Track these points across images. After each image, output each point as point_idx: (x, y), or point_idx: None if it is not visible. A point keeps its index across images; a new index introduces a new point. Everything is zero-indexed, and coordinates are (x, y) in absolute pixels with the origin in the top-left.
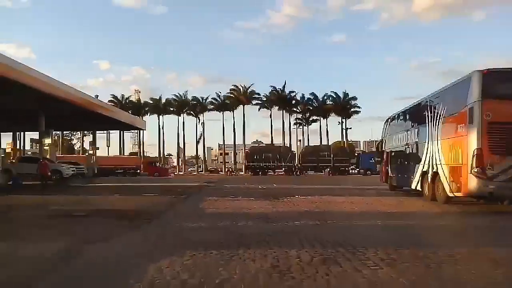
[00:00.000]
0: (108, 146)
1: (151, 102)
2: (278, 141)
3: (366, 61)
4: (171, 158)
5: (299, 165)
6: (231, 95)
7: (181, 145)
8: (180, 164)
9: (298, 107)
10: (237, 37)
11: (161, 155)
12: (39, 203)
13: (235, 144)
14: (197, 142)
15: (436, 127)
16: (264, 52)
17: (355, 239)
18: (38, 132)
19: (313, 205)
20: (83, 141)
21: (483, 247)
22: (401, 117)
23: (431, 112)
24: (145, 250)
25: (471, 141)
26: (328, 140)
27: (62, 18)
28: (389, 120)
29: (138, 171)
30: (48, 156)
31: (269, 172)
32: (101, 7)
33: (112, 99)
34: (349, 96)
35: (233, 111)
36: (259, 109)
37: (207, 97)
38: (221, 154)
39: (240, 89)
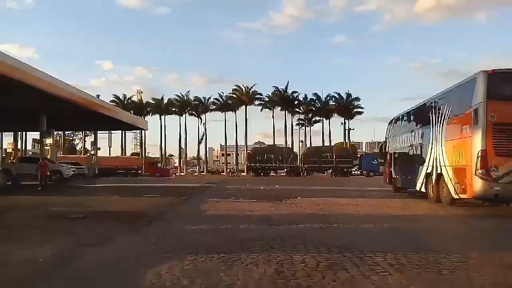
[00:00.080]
0: (110, 147)
1: (153, 102)
2: (280, 142)
3: (368, 61)
4: (172, 158)
5: (305, 166)
6: (234, 95)
7: (183, 146)
8: (181, 165)
9: (301, 108)
10: (239, 38)
11: (163, 156)
12: (38, 203)
13: (237, 145)
14: (199, 143)
15: (441, 128)
16: (267, 52)
17: (361, 242)
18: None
19: (316, 207)
20: (84, 141)
21: (495, 252)
22: (405, 118)
23: (435, 113)
24: (144, 254)
25: (476, 143)
26: (330, 141)
27: (64, 18)
28: (393, 121)
29: (139, 171)
30: (49, 156)
31: (271, 173)
32: (104, 8)
33: (114, 99)
34: (352, 97)
35: (235, 112)
36: (261, 110)
37: (209, 97)
38: (222, 154)
39: (242, 89)
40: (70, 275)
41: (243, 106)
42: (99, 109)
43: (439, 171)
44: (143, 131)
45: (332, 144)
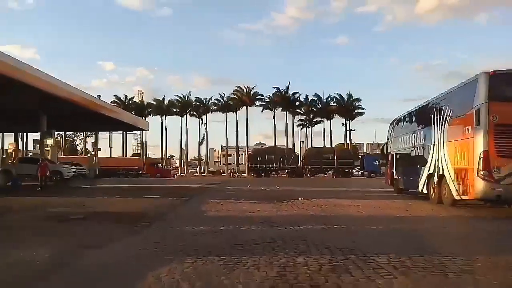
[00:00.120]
0: (111, 147)
1: (154, 103)
2: (281, 142)
3: (369, 62)
4: (173, 159)
5: (308, 166)
6: (235, 96)
7: (184, 146)
8: (182, 166)
9: (302, 109)
10: (240, 39)
11: (164, 157)
12: (37, 204)
13: (238, 146)
14: (200, 143)
15: (442, 129)
16: (268, 53)
17: (365, 244)
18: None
19: (318, 208)
20: (85, 142)
21: (500, 254)
22: (407, 119)
23: (437, 114)
24: (143, 256)
25: (478, 144)
26: (331, 142)
27: (66, 19)
28: (394, 122)
29: (140, 172)
30: (49, 157)
31: (272, 174)
32: (106, 9)
33: (115, 99)
34: (353, 98)
35: (236, 112)
36: (262, 110)
37: (210, 98)
38: (223, 155)
39: (243, 90)
40: (67, 278)
41: (244, 107)
42: (100, 109)
43: (441, 172)
44: (144, 131)
45: (333, 145)
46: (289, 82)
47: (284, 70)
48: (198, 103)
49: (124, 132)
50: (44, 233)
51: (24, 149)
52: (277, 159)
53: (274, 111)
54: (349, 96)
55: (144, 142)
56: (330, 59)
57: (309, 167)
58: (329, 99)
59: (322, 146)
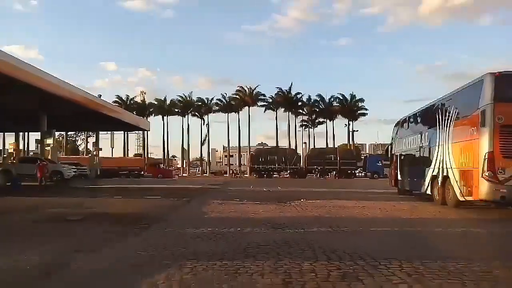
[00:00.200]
0: (112, 147)
1: (156, 103)
2: (283, 143)
3: (372, 63)
4: (175, 159)
5: (318, 168)
6: (237, 96)
7: (185, 147)
8: (184, 166)
9: (304, 109)
10: (243, 40)
11: (165, 157)
12: (36, 205)
13: (240, 146)
14: (202, 144)
15: (447, 130)
16: (271, 54)
17: (373, 248)
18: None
19: (322, 210)
20: (87, 142)
21: None
22: (411, 120)
23: (442, 115)
24: (140, 261)
25: (483, 145)
26: (334, 142)
27: (67, 19)
28: (399, 123)
29: (142, 172)
30: (49, 157)
31: (274, 174)
32: (109, 10)
33: (117, 99)
34: (356, 98)
35: (238, 113)
36: (264, 111)
37: (212, 98)
38: (225, 156)
39: (245, 90)
40: (60, 282)
41: (246, 107)
42: (101, 109)
43: (445, 174)
44: (145, 132)
45: (336, 145)
46: (292, 83)
47: (287, 71)
48: (200, 103)
49: (125, 132)
50: (39, 235)
51: (26, 149)
52: (280, 160)
53: (276, 111)
54: (352, 96)
55: (145, 143)
56: (333, 60)
57: (315, 167)
58: (332, 99)
59: (325, 146)
